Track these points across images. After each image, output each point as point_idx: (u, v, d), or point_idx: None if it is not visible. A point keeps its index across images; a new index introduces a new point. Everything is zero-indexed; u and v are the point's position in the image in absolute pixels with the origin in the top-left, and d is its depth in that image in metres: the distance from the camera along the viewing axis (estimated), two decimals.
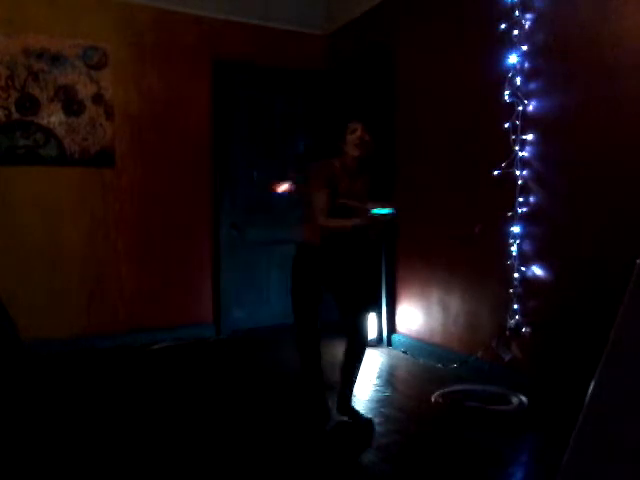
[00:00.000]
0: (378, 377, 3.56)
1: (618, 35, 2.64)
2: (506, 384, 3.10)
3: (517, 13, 3.05)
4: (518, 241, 3.14)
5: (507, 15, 3.11)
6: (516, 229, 3.13)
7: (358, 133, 2.58)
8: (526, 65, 3.06)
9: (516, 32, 3.06)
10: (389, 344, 4.21)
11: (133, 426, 2.78)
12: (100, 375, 3.59)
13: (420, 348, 3.92)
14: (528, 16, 3.03)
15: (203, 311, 4.56)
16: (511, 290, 3.17)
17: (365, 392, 3.27)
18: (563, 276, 2.94)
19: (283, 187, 3.20)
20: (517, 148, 3.09)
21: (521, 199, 3.10)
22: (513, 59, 3.08)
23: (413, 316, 4.03)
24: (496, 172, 3.17)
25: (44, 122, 3.97)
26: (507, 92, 3.11)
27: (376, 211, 2.45)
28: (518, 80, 3.07)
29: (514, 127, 3.10)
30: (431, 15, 3.77)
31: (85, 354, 3.94)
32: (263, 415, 2.92)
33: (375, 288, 2.67)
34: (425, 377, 3.51)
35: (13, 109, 3.88)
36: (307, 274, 2.68)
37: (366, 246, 2.74)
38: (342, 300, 2.73)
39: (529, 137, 3.06)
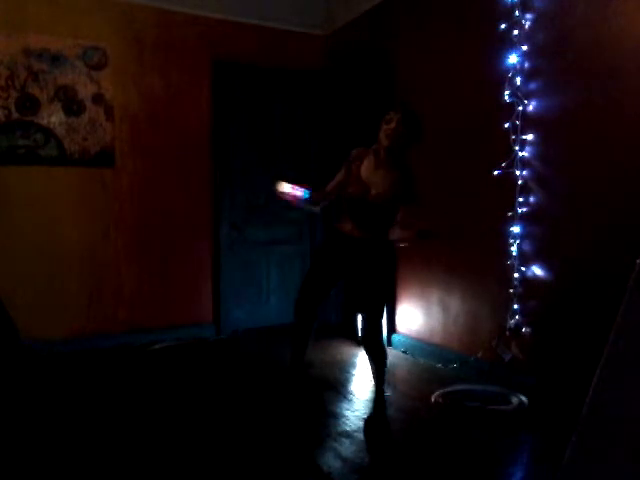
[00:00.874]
0: None
1: (618, 35, 2.64)
2: (506, 384, 3.10)
3: (517, 13, 3.05)
4: (518, 241, 3.14)
5: (507, 15, 3.11)
6: (516, 229, 3.13)
7: (392, 125, 2.51)
8: (526, 65, 3.06)
9: (516, 32, 3.06)
10: (389, 344, 4.20)
11: (133, 426, 2.77)
12: (100, 375, 3.58)
13: (420, 348, 3.92)
14: (528, 16, 3.03)
15: (203, 311, 4.56)
16: (511, 290, 3.17)
17: (365, 392, 3.27)
18: (563, 276, 2.94)
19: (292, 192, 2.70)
20: (517, 148, 3.09)
21: (521, 199, 3.10)
22: (513, 59, 3.09)
23: (413, 316, 4.03)
24: (496, 172, 3.17)
25: (44, 122, 3.97)
26: (507, 92, 3.11)
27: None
28: (518, 80, 3.08)
29: (514, 127, 3.10)
30: (431, 15, 3.77)
31: (85, 354, 3.94)
32: (262, 415, 2.92)
33: (387, 293, 2.66)
34: (425, 377, 3.52)
35: (13, 109, 3.88)
36: (329, 250, 2.74)
37: (388, 250, 2.71)
38: (356, 295, 2.75)
39: (529, 137, 3.06)
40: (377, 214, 2.62)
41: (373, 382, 2.81)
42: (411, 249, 4.04)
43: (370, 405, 3.05)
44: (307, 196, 2.65)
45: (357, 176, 2.61)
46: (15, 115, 3.88)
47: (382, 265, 2.69)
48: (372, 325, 2.72)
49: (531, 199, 3.08)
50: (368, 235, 2.64)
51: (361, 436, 2.65)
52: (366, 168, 2.61)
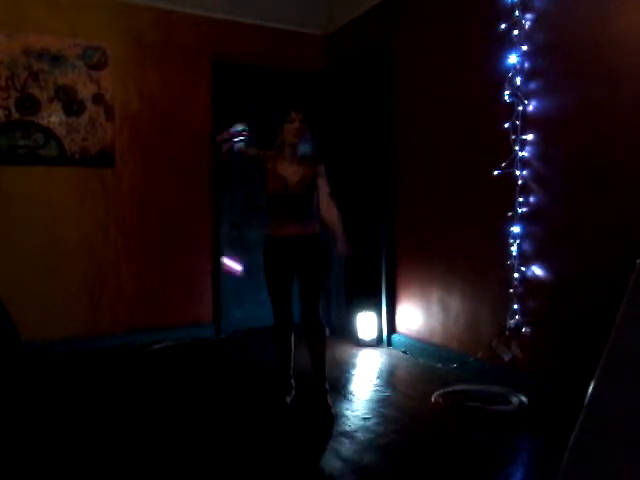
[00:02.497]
0: (378, 377, 3.56)
1: (618, 35, 2.64)
2: (506, 384, 3.10)
3: (517, 13, 3.05)
4: (518, 241, 3.14)
5: (507, 15, 3.11)
6: (516, 229, 3.13)
7: (296, 124, 2.87)
8: (526, 65, 3.06)
9: (516, 32, 3.06)
10: (389, 344, 4.21)
11: (133, 426, 2.77)
12: (100, 375, 3.59)
13: (420, 348, 3.92)
14: (528, 16, 3.03)
15: (203, 311, 4.56)
16: (511, 290, 3.17)
17: (365, 392, 3.27)
18: (563, 276, 2.94)
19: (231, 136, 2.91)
20: (517, 148, 3.09)
21: (521, 199, 3.10)
22: (513, 59, 3.09)
23: (413, 316, 4.03)
24: (496, 172, 3.17)
25: (44, 122, 3.97)
26: (507, 92, 3.11)
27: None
28: (518, 80, 3.08)
29: (514, 127, 3.10)
30: (431, 15, 3.77)
31: (85, 354, 3.95)
32: (262, 415, 2.92)
33: (324, 279, 2.95)
34: (425, 377, 3.51)
35: (13, 109, 3.88)
36: (274, 260, 2.92)
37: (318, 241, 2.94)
38: (303, 283, 2.93)
39: (529, 137, 3.06)
40: (299, 204, 2.84)
41: (314, 368, 2.92)
42: (411, 248, 4.05)
43: (366, 405, 3.05)
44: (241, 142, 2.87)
45: (274, 174, 2.87)
46: (15, 115, 3.89)
47: (315, 254, 2.88)
48: (311, 307, 2.88)
49: (531, 199, 3.08)
50: (296, 231, 2.84)
51: (361, 436, 2.65)
52: (280, 166, 2.89)
